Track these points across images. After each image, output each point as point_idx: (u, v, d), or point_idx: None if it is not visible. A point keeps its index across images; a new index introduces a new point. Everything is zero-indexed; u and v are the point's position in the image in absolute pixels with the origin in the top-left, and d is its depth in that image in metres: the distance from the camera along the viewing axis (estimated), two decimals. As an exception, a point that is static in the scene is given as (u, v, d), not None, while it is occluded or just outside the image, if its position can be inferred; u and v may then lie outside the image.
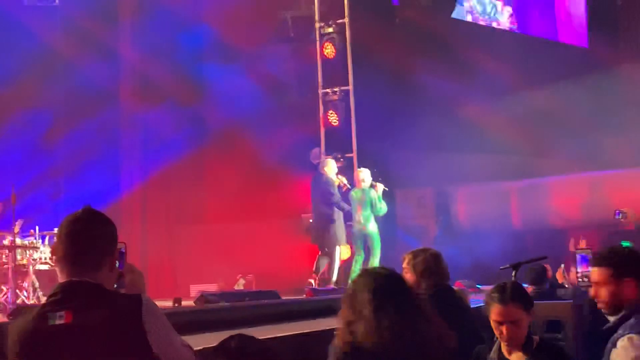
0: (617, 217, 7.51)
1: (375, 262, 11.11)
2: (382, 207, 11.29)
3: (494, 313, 3.96)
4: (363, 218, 11.30)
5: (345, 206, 11.39)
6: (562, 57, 16.29)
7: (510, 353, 4.01)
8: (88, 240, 2.86)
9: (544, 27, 17.80)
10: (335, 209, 11.32)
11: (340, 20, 13.18)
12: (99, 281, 2.83)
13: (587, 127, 14.79)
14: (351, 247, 11.72)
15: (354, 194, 11.44)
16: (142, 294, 2.87)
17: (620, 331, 3.54)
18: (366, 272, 3.54)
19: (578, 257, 4.88)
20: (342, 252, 11.67)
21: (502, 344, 4.02)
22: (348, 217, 11.58)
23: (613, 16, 18.38)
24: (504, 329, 3.93)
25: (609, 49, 16.73)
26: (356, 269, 11.01)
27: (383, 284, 3.35)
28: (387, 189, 11.52)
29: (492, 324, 3.99)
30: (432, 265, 5.14)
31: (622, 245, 4.26)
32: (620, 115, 15.25)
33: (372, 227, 11.32)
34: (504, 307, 3.92)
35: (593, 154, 15.20)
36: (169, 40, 13.17)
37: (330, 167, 11.63)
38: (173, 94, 13.23)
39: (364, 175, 11.46)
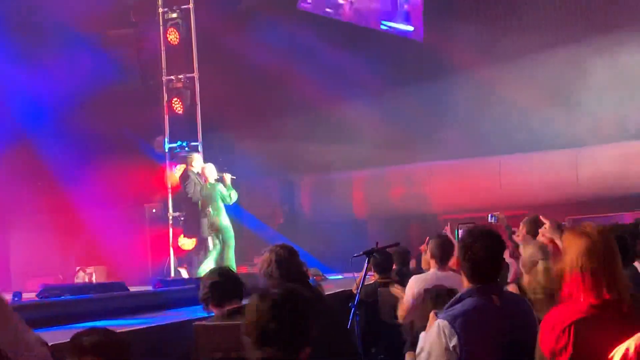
0: (490, 220, 7.88)
1: (230, 254, 11.21)
2: (232, 196, 11.34)
3: None
4: (214, 212, 11.29)
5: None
6: (401, 50, 16.67)
7: None
8: None
9: (382, 18, 18.16)
10: (200, 203, 11.46)
11: (185, 6, 12.97)
12: None
13: (427, 120, 15.23)
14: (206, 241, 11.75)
15: (203, 189, 11.39)
16: None
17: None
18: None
19: None
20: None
21: None
22: None
23: (449, 9, 18.93)
24: None
25: (445, 43, 17.25)
26: (209, 262, 11.07)
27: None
28: (234, 177, 11.52)
29: None
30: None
31: None
32: (457, 108, 15.80)
33: (224, 221, 11.33)
34: None
35: (430, 146, 15.69)
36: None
37: (194, 163, 11.60)
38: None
39: (209, 170, 11.45)
